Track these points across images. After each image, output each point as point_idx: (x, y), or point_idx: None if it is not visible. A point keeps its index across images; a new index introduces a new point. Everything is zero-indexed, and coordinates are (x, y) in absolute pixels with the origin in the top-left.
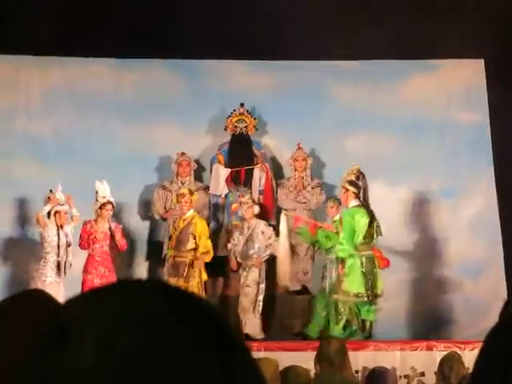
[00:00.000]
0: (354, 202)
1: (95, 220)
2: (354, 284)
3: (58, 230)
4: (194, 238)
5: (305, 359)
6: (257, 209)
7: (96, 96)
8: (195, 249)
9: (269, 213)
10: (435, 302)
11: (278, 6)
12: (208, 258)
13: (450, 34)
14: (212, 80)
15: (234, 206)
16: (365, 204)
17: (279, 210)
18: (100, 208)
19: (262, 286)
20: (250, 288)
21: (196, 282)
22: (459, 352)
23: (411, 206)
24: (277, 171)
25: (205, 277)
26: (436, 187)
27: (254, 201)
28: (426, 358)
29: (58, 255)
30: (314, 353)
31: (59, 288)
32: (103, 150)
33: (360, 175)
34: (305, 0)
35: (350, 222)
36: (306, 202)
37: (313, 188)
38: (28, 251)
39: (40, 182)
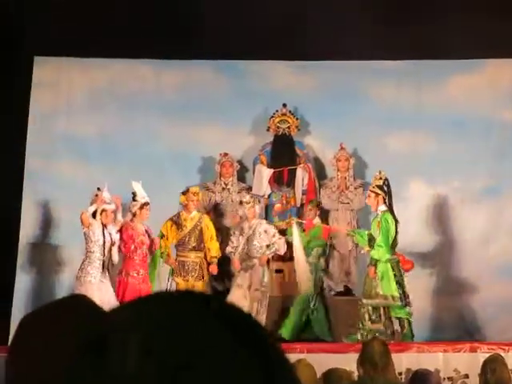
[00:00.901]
0: (383, 207)
1: (131, 221)
2: (389, 287)
3: (103, 228)
4: (203, 239)
5: (347, 361)
6: (258, 208)
7: (139, 96)
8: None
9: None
10: (478, 302)
11: (319, 6)
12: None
13: (495, 33)
14: (254, 81)
15: (277, 206)
16: (391, 209)
17: (323, 211)
18: (140, 208)
19: (268, 285)
20: (259, 291)
21: (205, 281)
22: (503, 354)
23: (454, 206)
24: (319, 171)
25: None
26: (480, 186)
27: (258, 200)
28: (469, 360)
29: (104, 254)
30: (357, 355)
31: (105, 288)
32: (146, 150)
33: (386, 181)
34: (345, 1)
35: (387, 227)
36: (348, 203)
37: (355, 188)
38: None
39: (83, 181)
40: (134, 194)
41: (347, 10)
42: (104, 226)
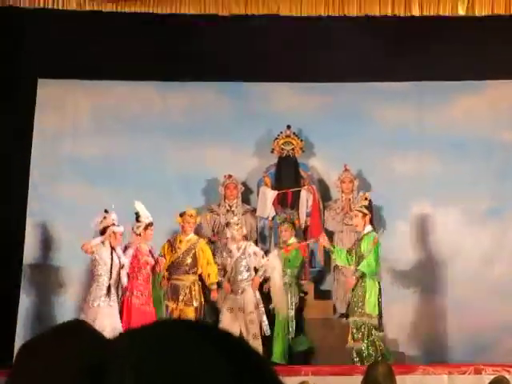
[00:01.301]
0: (369, 227)
1: (135, 241)
2: (373, 307)
3: (112, 251)
4: (196, 263)
5: (352, 383)
6: (245, 230)
7: (143, 118)
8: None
9: (316, 234)
10: (483, 324)
11: (321, 29)
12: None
13: (495, 55)
14: (259, 102)
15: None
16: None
17: (327, 232)
18: (145, 229)
19: (262, 307)
20: (254, 314)
21: (196, 305)
22: (507, 376)
23: (459, 227)
24: (324, 193)
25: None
26: (484, 206)
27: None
28: (474, 382)
29: (110, 278)
30: (361, 377)
31: (113, 312)
32: (151, 172)
33: (370, 201)
34: (346, 24)
35: (377, 246)
36: (352, 224)
37: None
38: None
39: (88, 204)
40: (138, 215)
41: (349, 33)
42: (112, 248)
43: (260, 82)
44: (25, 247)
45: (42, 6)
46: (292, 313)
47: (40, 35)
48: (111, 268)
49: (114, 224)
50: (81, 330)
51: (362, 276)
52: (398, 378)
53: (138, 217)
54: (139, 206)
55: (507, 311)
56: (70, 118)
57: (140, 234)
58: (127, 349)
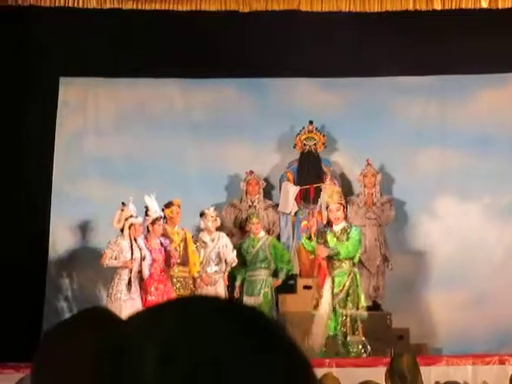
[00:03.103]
0: (344, 222)
1: (146, 237)
2: (362, 298)
3: (132, 243)
4: (187, 254)
5: (377, 375)
6: (219, 222)
7: (166, 116)
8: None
9: None
10: (507, 316)
11: (344, 24)
12: None
13: None
14: (281, 98)
15: (304, 223)
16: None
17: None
18: (152, 223)
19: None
20: None
21: None
22: None
23: (481, 221)
24: (346, 188)
25: None
26: (507, 201)
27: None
28: (498, 373)
29: (131, 271)
30: (385, 368)
31: (135, 304)
32: (173, 169)
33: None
34: (371, 18)
35: (360, 239)
36: (375, 218)
37: (382, 204)
38: (94, 272)
39: (111, 202)
40: (147, 209)
41: (370, 29)
42: (134, 239)
43: (282, 78)
44: (49, 246)
45: (62, 4)
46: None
47: (61, 34)
48: (132, 260)
49: (132, 216)
50: (100, 316)
51: (337, 255)
52: (422, 369)
53: (146, 211)
54: (149, 201)
55: None
56: (92, 116)
57: (148, 229)
58: (145, 331)
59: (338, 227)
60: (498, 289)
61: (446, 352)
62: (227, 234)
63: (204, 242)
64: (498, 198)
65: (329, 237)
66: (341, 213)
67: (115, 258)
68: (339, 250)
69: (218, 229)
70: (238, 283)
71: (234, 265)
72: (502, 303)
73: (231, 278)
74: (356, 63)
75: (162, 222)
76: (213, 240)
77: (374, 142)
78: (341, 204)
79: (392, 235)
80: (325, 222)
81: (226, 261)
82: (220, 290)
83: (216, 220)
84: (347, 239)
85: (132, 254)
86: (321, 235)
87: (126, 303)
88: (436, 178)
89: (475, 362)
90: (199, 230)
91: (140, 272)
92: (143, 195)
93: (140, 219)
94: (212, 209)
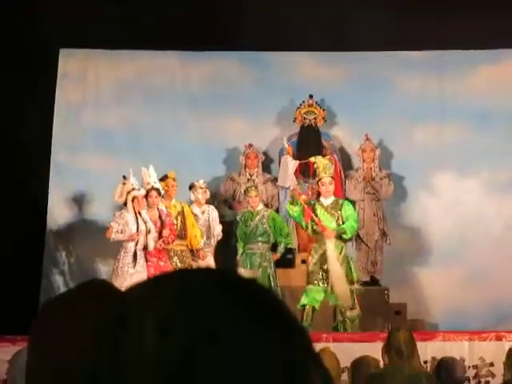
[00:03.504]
0: (334, 196)
1: (121, 213)
2: (355, 273)
3: (136, 216)
4: (185, 227)
5: (373, 350)
6: (208, 194)
7: (165, 88)
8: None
9: None
10: (504, 292)
11: None
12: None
13: None
14: (281, 72)
15: (303, 197)
16: None
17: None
18: (145, 196)
19: None
20: None
21: None
22: None
23: (481, 197)
24: (345, 162)
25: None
26: (505, 177)
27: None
28: (495, 349)
29: (137, 244)
30: (382, 344)
31: (141, 278)
32: (172, 142)
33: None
34: None
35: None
36: (374, 193)
37: (381, 179)
38: (92, 245)
39: (110, 173)
40: (142, 181)
41: (371, 3)
42: (138, 213)
43: (283, 52)
44: (47, 219)
45: None
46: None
47: (60, 5)
48: (137, 233)
49: (134, 189)
50: (99, 288)
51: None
52: (418, 344)
53: (142, 183)
54: (144, 172)
55: None
56: (91, 88)
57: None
58: (145, 302)
59: (327, 201)
60: (496, 265)
61: (442, 328)
62: (227, 208)
63: (195, 215)
64: (497, 174)
65: (318, 210)
66: (333, 186)
67: (121, 232)
68: (346, 230)
69: (208, 201)
70: (238, 257)
71: (219, 238)
72: (500, 279)
73: (228, 251)
74: (356, 38)
75: (154, 194)
76: (203, 213)
77: (373, 116)
78: (333, 178)
79: (390, 210)
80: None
81: (213, 234)
82: (211, 263)
83: (206, 192)
84: (341, 214)
85: (138, 226)
86: (311, 206)
87: (132, 277)
88: (435, 153)
89: (472, 337)
90: (190, 202)
91: (146, 245)
92: (142, 167)
93: (143, 191)
94: (202, 181)
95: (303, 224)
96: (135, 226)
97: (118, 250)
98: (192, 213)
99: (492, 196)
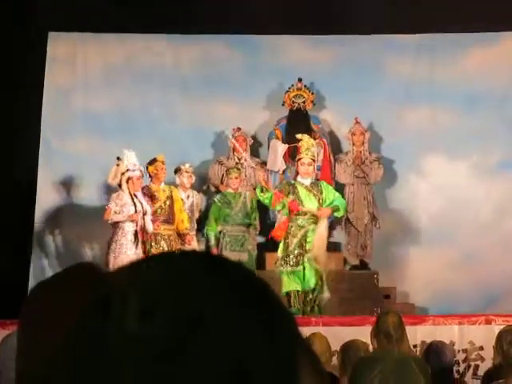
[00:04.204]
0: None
1: (118, 194)
2: None
3: (133, 197)
4: (173, 212)
5: (363, 334)
6: (194, 178)
7: (155, 72)
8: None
9: None
10: (494, 275)
11: None
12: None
13: (510, 5)
14: (270, 55)
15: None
16: None
17: (338, 185)
18: (126, 181)
19: None
20: None
21: None
22: None
23: (470, 179)
24: (335, 146)
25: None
26: (495, 160)
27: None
28: (484, 332)
29: (136, 225)
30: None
31: None
32: (161, 125)
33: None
34: None
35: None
36: (364, 177)
37: (371, 162)
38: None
39: (100, 157)
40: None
41: None
42: (133, 195)
43: (272, 35)
44: (36, 202)
45: None
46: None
47: None
48: (136, 214)
49: (128, 170)
50: (87, 272)
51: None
52: (408, 328)
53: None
54: (126, 155)
55: None
56: (81, 71)
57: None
58: (130, 282)
59: (306, 181)
60: (485, 248)
61: (432, 311)
62: (214, 191)
63: (181, 199)
64: (487, 157)
65: (299, 189)
66: (312, 168)
67: (119, 213)
68: (339, 206)
69: (193, 186)
70: (221, 240)
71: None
72: (489, 262)
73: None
74: (346, 21)
75: (135, 178)
76: (188, 197)
77: (362, 100)
78: (313, 160)
79: (380, 194)
80: (313, 180)
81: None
82: (194, 247)
83: (191, 176)
84: (323, 196)
85: (135, 207)
86: (290, 188)
87: (130, 258)
88: (425, 137)
89: (461, 321)
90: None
91: (143, 226)
92: (132, 150)
93: (138, 173)
94: (188, 165)
95: (271, 208)
96: (133, 207)
97: (105, 233)
98: None
99: (482, 179)
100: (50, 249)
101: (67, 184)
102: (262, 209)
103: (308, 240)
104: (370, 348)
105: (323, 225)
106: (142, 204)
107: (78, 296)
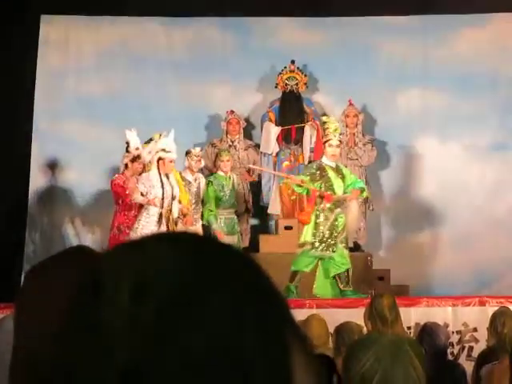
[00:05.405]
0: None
1: (123, 173)
2: None
3: (162, 179)
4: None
5: (357, 316)
6: (203, 163)
7: (148, 54)
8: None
9: None
10: (487, 257)
11: None
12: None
13: None
14: (262, 37)
15: (286, 163)
16: None
17: None
18: (132, 161)
19: None
20: None
21: None
22: (511, 307)
23: (463, 161)
24: None
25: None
26: (488, 141)
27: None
28: (478, 314)
29: (163, 207)
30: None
31: None
32: (154, 108)
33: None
34: None
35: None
36: (357, 159)
37: (364, 144)
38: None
39: (93, 141)
40: (128, 144)
41: None
42: (165, 176)
43: (264, 17)
44: (29, 186)
45: None
46: None
47: None
48: (163, 198)
49: (164, 150)
50: (82, 254)
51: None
52: (402, 310)
53: (127, 146)
54: (130, 136)
55: (511, 245)
56: (73, 54)
57: (127, 166)
58: (122, 264)
59: (333, 164)
60: (479, 230)
61: (426, 293)
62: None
63: (189, 182)
64: (480, 138)
65: (329, 172)
66: (339, 150)
67: (146, 194)
68: (363, 188)
69: (199, 170)
70: (212, 220)
71: None
72: (483, 244)
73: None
74: (338, 2)
75: (169, 159)
76: (195, 180)
77: (355, 82)
78: (341, 142)
79: (373, 176)
80: (306, 162)
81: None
82: (199, 229)
83: (200, 161)
84: (343, 177)
85: (163, 190)
86: (318, 173)
87: None
88: (418, 118)
89: (455, 303)
90: (184, 168)
91: (170, 211)
92: (124, 134)
93: (171, 155)
94: (198, 149)
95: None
96: (160, 189)
97: (98, 217)
98: (184, 179)
99: (475, 160)
100: (42, 232)
101: (60, 167)
102: (255, 192)
103: (338, 224)
104: (364, 330)
105: (355, 206)
106: (172, 188)
107: (72, 274)
